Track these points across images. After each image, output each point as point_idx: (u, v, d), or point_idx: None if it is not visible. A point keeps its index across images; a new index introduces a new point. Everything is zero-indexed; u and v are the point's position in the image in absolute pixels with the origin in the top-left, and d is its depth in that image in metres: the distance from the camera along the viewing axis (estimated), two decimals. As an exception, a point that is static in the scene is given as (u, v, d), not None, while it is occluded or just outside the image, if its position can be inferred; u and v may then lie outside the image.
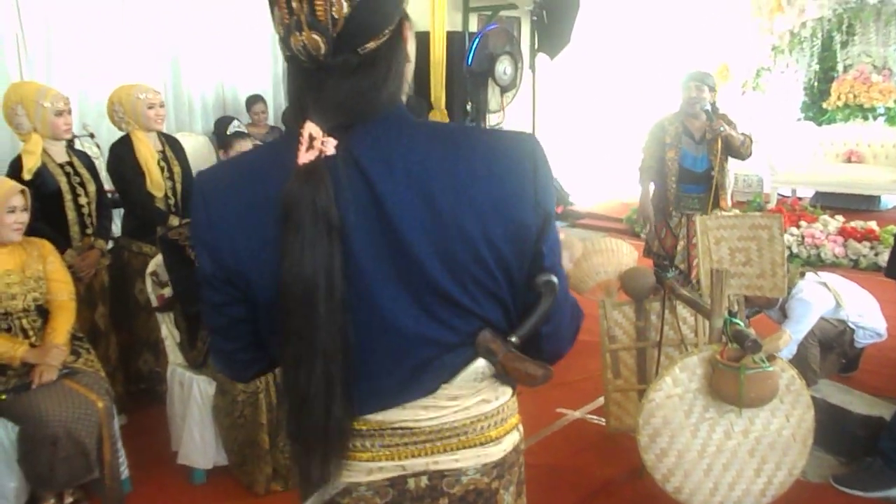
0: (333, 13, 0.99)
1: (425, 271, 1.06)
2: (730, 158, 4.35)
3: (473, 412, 1.18)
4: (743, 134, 4.29)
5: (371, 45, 1.03)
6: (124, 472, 2.97)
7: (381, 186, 1.04)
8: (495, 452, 1.21)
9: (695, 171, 4.32)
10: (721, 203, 4.29)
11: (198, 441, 3.06)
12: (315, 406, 1.06)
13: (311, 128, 1.02)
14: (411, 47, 1.14)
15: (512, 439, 1.25)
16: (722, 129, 4.17)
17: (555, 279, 1.16)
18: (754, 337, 2.24)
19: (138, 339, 3.96)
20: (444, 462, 1.18)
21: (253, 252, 1.08)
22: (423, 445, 1.16)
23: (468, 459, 1.19)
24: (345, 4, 0.99)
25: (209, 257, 1.11)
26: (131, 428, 3.40)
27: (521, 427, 1.29)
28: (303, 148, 1.02)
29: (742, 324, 2.41)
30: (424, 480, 1.17)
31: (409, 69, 1.15)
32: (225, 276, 1.11)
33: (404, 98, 1.14)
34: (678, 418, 2.39)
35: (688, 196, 4.37)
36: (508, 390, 1.25)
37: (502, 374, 1.18)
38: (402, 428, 1.15)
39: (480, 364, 1.16)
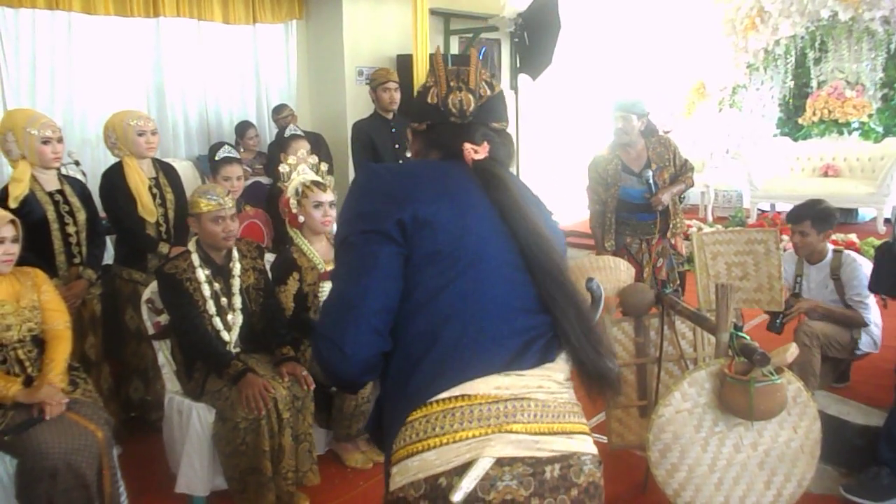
0: (480, 92, 1.53)
1: (544, 258, 1.39)
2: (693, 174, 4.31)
3: (574, 397, 1.39)
4: (683, 167, 4.24)
5: (496, 125, 1.54)
6: (124, 502, 2.91)
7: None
8: (593, 448, 1.37)
9: (641, 202, 4.21)
10: (678, 226, 4.29)
11: (197, 468, 3.02)
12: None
13: (468, 146, 1.47)
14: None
15: None
16: (660, 207, 4.11)
17: (597, 281, 1.67)
18: (762, 350, 2.25)
19: (128, 367, 3.91)
20: (567, 444, 1.31)
21: (435, 201, 1.38)
22: (551, 423, 1.31)
23: (583, 444, 1.34)
24: (488, 90, 1.54)
25: (399, 204, 1.36)
26: (126, 457, 3.33)
27: None
28: (468, 154, 1.46)
29: (747, 337, 2.43)
30: (557, 470, 1.28)
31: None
32: (411, 220, 1.34)
33: None
34: (688, 433, 2.40)
35: (643, 223, 4.28)
36: None
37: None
38: (531, 399, 1.31)
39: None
